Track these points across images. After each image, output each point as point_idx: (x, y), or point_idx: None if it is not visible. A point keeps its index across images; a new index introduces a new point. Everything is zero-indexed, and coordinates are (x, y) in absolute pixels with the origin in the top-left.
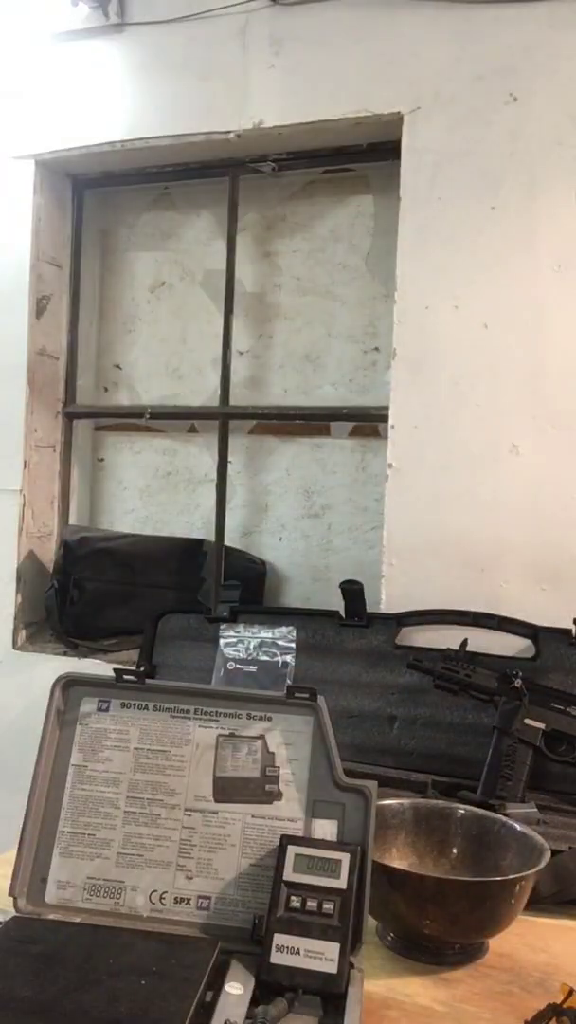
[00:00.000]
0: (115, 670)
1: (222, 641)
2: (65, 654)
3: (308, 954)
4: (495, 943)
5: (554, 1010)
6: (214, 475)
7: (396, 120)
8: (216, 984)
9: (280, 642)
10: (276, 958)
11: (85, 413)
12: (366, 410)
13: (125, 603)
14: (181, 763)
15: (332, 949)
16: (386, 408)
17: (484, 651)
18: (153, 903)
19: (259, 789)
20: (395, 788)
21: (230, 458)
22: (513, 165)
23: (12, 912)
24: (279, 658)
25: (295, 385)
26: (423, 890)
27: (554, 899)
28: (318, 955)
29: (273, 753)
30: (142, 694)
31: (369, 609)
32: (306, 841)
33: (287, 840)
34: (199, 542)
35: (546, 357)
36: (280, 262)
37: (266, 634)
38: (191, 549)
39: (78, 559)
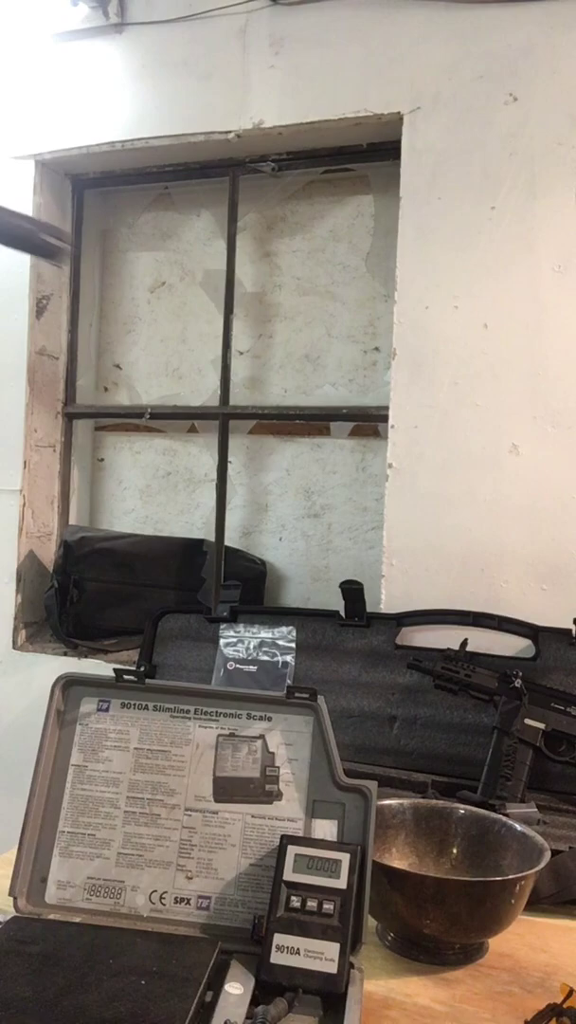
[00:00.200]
0: (115, 670)
1: (222, 641)
2: (65, 654)
3: (308, 954)
4: (495, 943)
5: (554, 1010)
6: (214, 475)
7: (396, 120)
8: (216, 984)
9: (280, 642)
10: (276, 958)
11: (85, 413)
12: (366, 410)
13: (125, 603)
14: (181, 763)
15: (332, 949)
16: (386, 408)
17: (484, 651)
18: (153, 903)
19: (259, 789)
20: (395, 788)
21: (230, 458)
22: (513, 165)
23: (12, 912)
24: (279, 658)
25: (295, 385)
26: (423, 890)
27: (554, 899)
28: (318, 955)
29: (273, 753)
30: (142, 694)
31: (369, 609)
32: (306, 841)
33: (287, 840)
34: (199, 542)
35: (546, 357)
36: (280, 262)
37: (266, 634)
38: (191, 549)
39: (78, 559)
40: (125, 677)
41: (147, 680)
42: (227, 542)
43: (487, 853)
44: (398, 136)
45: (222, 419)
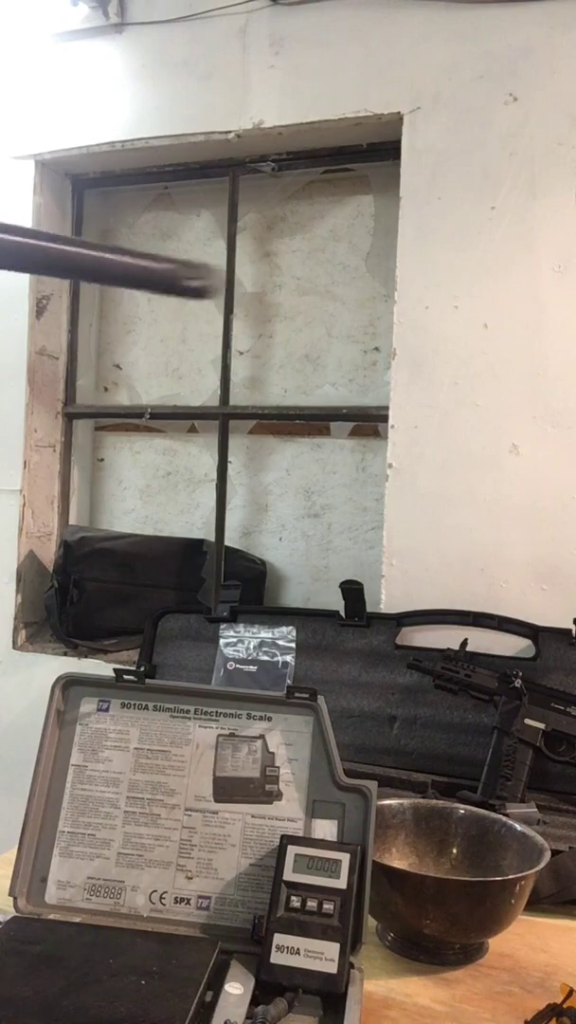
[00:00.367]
0: (115, 670)
1: (222, 641)
2: (65, 654)
3: (308, 954)
4: (495, 943)
5: (554, 1010)
6: (214, 475)
7: (396, 120)
8: (216, 984)
9: (280, 642)
10: (276, 958)
11: (85, 413)
12: (366, 410)
13: (125, 603)
14: (181, 763)
15: (332, 949)
16: (386, 408)
17: (484, 651)
18: (153, 903)
19: (259, 789)
20: (395, 788)
21: (230, 458)
22: (513, 165)
23: (12, 912)
24: (279, 658)
25: (295, 385)
26: (423, 890)
27: (554, 899)
28: (318, 955)
29: (273, 753)
30: (142, 694)
31: (369, 609)
32: (306, 841)
33: (287, 840)
34: (199, 542)
35: (546, 357)
36: (280, 262)
37: (266, 634)
38: (191, 549)
39: (78, 559)
40: (125, 677)
41: (147, 680)
42: (227, 542)
43: (487, 853)
44: (398, 136)
45: (222, 419)
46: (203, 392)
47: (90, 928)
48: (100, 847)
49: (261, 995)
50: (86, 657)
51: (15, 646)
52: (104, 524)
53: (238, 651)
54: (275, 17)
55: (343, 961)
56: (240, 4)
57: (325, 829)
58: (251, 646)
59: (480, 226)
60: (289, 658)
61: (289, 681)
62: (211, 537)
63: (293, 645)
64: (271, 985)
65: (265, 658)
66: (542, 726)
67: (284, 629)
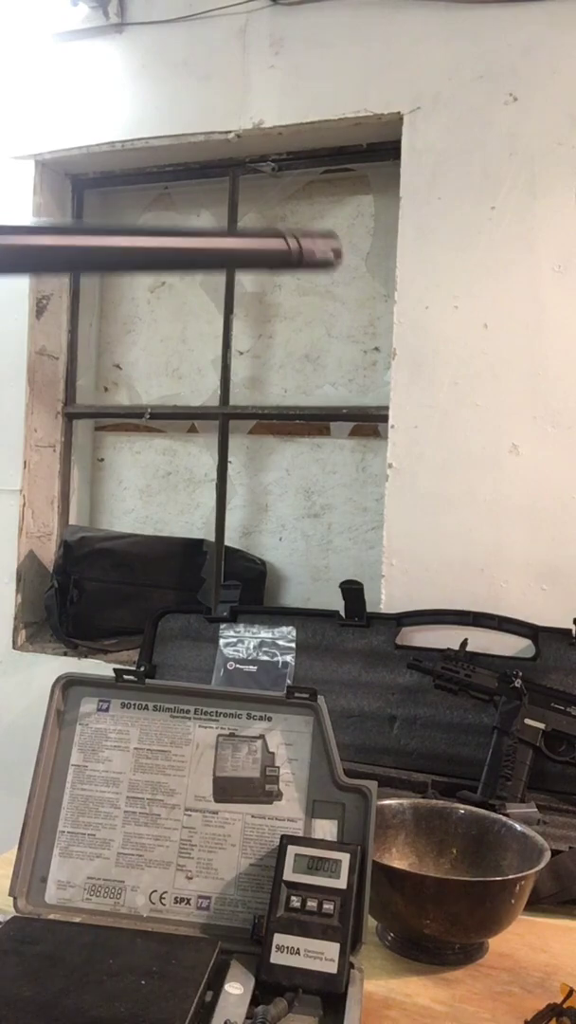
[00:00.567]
0: (115, 670)
1: (222, 641)
2: (65, 654)
3: (308, 954)
4: (495, 943)
5: (554, 1010)
6: (214, 475)
7: (396, 120)
8: (216, 984)
9: (280, 642)
10: (276, 958)
11: (85, 413)
12: (366, 410)
13: (125, 603)
14: (181, 763)
15: (332, 949)
16: (386, 408)
17: (484, 651)
18: (153, 903)
19: (259, 789)
20: (395, 788)
21: (230, 458)
22: (513, 165)
23: (12, 912)
24: (279, 658)
25: (295, 385)
26: (423, 890)
27: (554, 899)
28: (318, 955)
29: (273, 753)
30: (142, 694)
31: (369, 609)
32: (306, 841)
33: (287, 840)
34: (199, 542)
35: (546, 357)
36: None
37: (266, 634)
38: (191, 549)
39: (78, 559)
40: (125, 677)
41: (147, 680)
42: (227, 542)
43: (487, 853)
44: (398, 136)
45: (222, 419)
46: (203, 392)
47: (90, 928)
48: (100, 847)
49: (261, 995)
50: (86, 657)
51: (15, 646)
52: (104, 524)
53: (238, 651)
54: (275, 17)
55: (343, 961)
56: (240, 4)
57: (325, 829)
58: (251, 646)
59: (480, 226)
60: (289, 658)
61: (289, 681)
62: (211, 537)
63: (293, 645)
64: (271, 985)
65: (265, 658)
66: (542, 726)
67: (284, 629)
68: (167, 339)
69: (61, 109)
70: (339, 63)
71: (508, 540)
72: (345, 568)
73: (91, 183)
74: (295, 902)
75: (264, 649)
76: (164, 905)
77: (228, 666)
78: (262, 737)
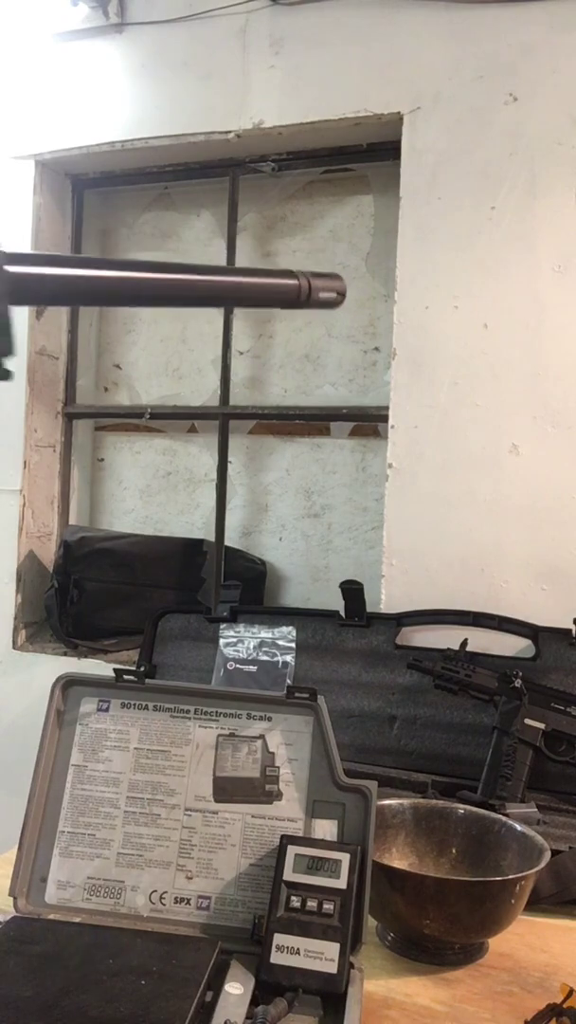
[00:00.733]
0: (115, 670)
1: (222, 641)
2: (65, 654)
3: (308, 954)
4: (495, 943)
5: (554, 1010)
6: (214, 475)
7: (396, 120)
8: (216, 984)
9: (280, 642)
10: (276, 958)
11: (85, 413)
12: (366, 410)
13: (125, 603)
14: (181, 763)
15: (332, 949)
16: (386, 408)
17: (484, 651)
18: (153, 903)
19: (259, 789)
20: (395, 788)
21: (230, 458)
22: (513, 165)
23: (12, 912)
24: (279, 658)
25: (295, 385)
26: (423, 890)
27: (554, 899)
28: (318, 955)
29: (273, 753)
30: (142, 694)
31: (369, 609)
32: (306, 841)
33: (287, 840)
34: (199, 542)
35: (546, 357)
36: (280, 262)
37: (266, 634)
38: (191, 549)
39: (78, 559)
40: (125, 677)
41: (147, 680)
42: (227, 542)
43: (487, 853)
44: (398, 136)
45: (222, 419)
46: (203, 392)
47: (90, 928)
48: (100, 847)
49: (261, 995)
50: (86, 657)
51: (15, 646)
52: (104, 524)
53: (238, 651)
54: (275, 17)
55: (343, 961)
56: (240, 4)
57: (325, 829)
58: (251, 646)
59: (480, 226)
60: (289, 658)
61: (289, 681)
62: (211, 537)
63: (293, 645)
64: (271, 985)
65: (265, 658)
66: (542, 726)
67: (284, 629)
68: (167, 339)
69: (61, 109)
70: (339, 63)
71: (508, 540)
72: (345, 568)
73: (91, 183)
74: (295, 902)
75: (264, 649)
76: (164, 905)
77: (228, 666)
78: (262, 737)
